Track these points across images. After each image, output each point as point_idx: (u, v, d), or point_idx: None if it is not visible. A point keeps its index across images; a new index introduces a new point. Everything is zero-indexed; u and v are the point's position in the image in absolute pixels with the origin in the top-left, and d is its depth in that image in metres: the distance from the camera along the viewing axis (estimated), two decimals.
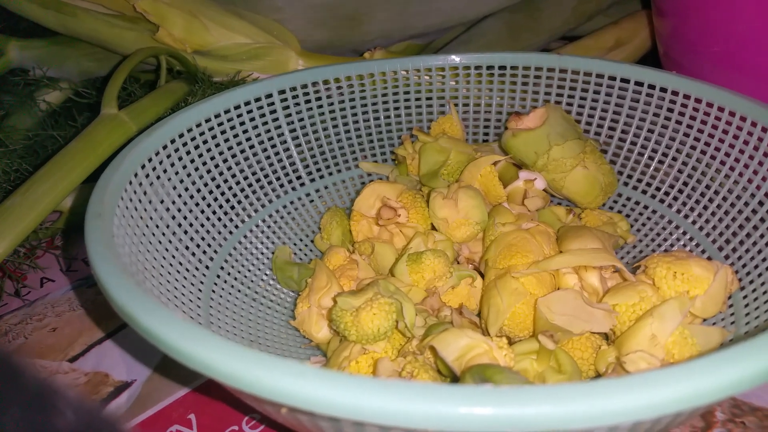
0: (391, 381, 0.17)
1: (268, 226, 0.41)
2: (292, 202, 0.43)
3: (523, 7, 0.59)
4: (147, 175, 0.33)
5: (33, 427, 0.14)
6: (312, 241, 0.42)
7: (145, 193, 0.32)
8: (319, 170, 0.44)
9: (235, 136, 0.40)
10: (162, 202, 0.34)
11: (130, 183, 0.31)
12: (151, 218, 0.32)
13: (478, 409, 0.16)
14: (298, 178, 0.43)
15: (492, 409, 0.16)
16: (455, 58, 0.44)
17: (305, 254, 0.42)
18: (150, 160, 0.33)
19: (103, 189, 0.29)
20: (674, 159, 0.40)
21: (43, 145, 0.52)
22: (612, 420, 0.17)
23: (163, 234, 0.33)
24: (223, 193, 0.39)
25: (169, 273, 0.31)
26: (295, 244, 0.42)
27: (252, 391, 0.18)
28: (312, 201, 0.44)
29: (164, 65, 0.48)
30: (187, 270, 0.33)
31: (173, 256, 0.33)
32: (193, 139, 0.37)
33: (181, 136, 0.36)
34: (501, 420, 0.16)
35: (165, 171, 0.34)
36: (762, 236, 0.33)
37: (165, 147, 0.34)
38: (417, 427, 0.17)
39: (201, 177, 0.37)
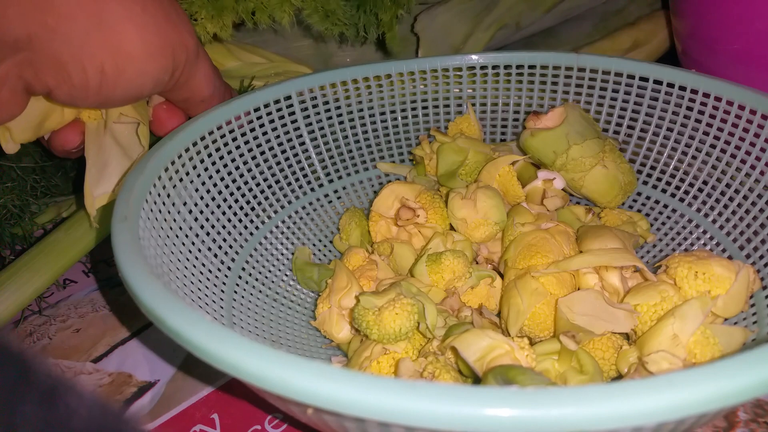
0: (418, 382, 0.18)
1: (288, 227, 0.41)
2: (310, 203, 0.43)
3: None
4: (170, 178, 0.33)
5: (46, 425, 0.14)
6: (331, 242, 0.43)
7: (168, 196, 0.33)
8: (337, 171, 0.45)
9: (255, 138, 0.40)
10: (185, 204, 0.34)
11: (154, 186, 0.31)
12: (174, 220, 0.33)
13: (505, 410, 0.17)
14: (317, 179, 0.44)
15: (519, 410, 0.16)
16: (473, 58, 0.44)
17: (324, 255, 0.42)
18: (173, 163, 0.34)
19: (129, 192, 0.29)
20: (694, 157, 0.40)
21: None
22: (638, 421, 0.17)
23: (186, 236, 0.33)
24: (243, 195, 0.39)
25: (193, 275, 0.32)
26: (314, 245, 0.42)
27: (279, 392, 0.18)
28: (330, 202, 0.44)
29: None
30: (210, 271, 0.34)
31: (196, 258, 0.33)
32: (214, 141, 0.37)
33: (202, 139, 0.36)
34: (528, 421, 0.16)
35: (187, 173, 0.35)
36: None
37: (187, 150, 0.35)
38: (443, 429, 0.17)
39: (222, 179, 0.38)
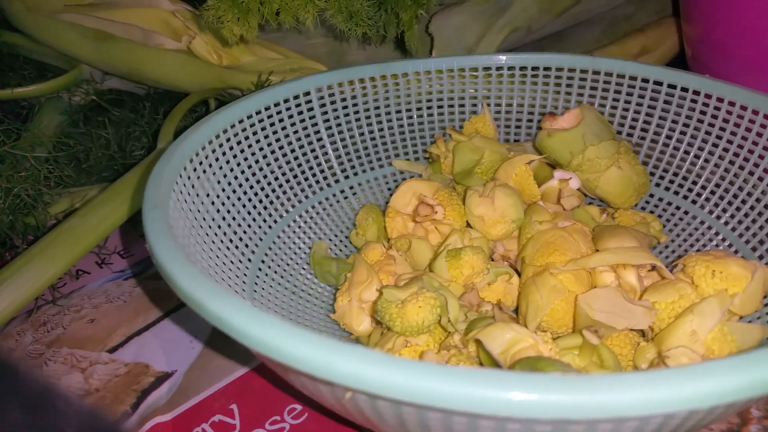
0: (462, 367, 0.18)
1: (305, 222, 0.42)
2: (327, 199, 0.43)
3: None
4: (194, 169, 0.33)
5: (34, 430, 0.14)
6: (347, 237, 0.43)
7: (193, 187, 0.33)
8: (353, 167, 0.45)
9: (274, 132, 0.41)
10: (208, 195, 0.34)
11: (180, 176, 0.32)
12: (198, 211, 0.33)
13: (549, 395, 0.17)
14: (333, 174, 0.44)
15: (568, 395, 0.17)
16: (489, 59, 0.45)
17: (340, 250, 0.42)
18: (197, 154, 0.34)
19: (158, 181, 0.29)
20: (706, 161, 0.41)
21: (72, 143, 0.53)
22: (669, 408, 0.17)
23: (210, 227, 0.34)
24: (262, 188, 0.40)
25: (216, 265, 0.32)
26: (330, 240, 0.42)
27: (324, 376, 0.19)
28: (346, 198, 0.44)
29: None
30: (232, 262, 0.34)
31: (219, 249, 0.34)
32: (235, 134, 0.38)
33: (224, 131, 0.37)
34: (574, 406, 0.17)
35: (210, 165, 0.35)
36: None
37: (210, 142, 0.35)
38: (487, 413, 0.17)
39: (242, 172, 0.38)
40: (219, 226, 0.35)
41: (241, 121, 0.38)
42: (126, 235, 0.50)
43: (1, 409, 0.14)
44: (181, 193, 0.31)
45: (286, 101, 0.41)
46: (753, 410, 0.32)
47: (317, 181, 0.43)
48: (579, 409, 0.17)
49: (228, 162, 0.37)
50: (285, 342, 0.19)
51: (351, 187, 0.45)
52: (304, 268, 0.40)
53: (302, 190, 0.42)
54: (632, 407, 0.17)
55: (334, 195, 0.44)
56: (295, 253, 0.40)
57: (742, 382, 0.18)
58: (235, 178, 0.38)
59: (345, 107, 0.44)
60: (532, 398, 0.17)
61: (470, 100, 0.47)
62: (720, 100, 0.39)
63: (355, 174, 0.45)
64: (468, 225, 0.39)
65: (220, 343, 0.38)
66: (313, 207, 0.43)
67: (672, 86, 0.41)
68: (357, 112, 0.45)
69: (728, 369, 0.17)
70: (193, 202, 0.33)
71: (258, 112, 0.39)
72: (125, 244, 0.50)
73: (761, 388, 0.18)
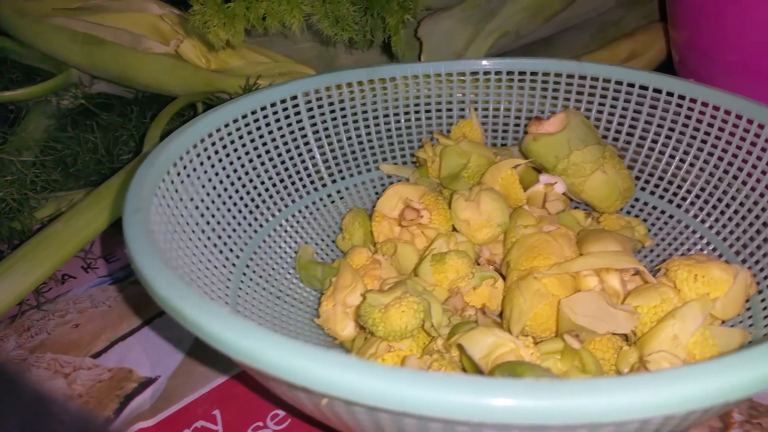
0: (434, 373, 0.18)
1: (291, 226, 0.42)
2: (314, 203, 0.43)
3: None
4: (178, 173, 0.33)
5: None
6: (333, 242, 0.43)
7: (176, 191, 0.33)
8: (340, 171, 0.45)
9: (261, 137, 0.40)
10: (192, 199, 0.34)
11: (163, 181, 0.32)
12: (182, 215, 0.33)
13: (523, 400, 0.17)
14: (321, 179, 0.44)
15: (539, 401, 0.17)
16: (477, 63, 0.45)
17: (326, 254, 0.42)
18: (181, 158, 0.34)
19: (140, 185, 0.29)
20: (691, 165, 0.41)
21: (60, 146, 0.53)
22: (648, 413, 0.17)
23: (193, 231, 0.33)
24: (248, 192, 0.40)
25: (199, 269, 0.32)
26: (317, 244, 0.42)
27: (298, 382, 0.19)
28: (333, 202, 0.44)
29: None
30: (215, 267, 0.34)
31: (202, 253, 0.33)
32: (221, 138, 0.37)
33: (210, 135, 0.36)
34: (546, 412, 0.17)
35: (195, 169, 0.35)
36: None
37: (195, 146, 0.35)
38: (463, 419, 0.17)
39: (228, 176, 0.38)
40: (203, 231, 0.34)
41: (226, 125, 0.38)
42: (111, 239, 0.50)
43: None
44: (164, 197, 0.31)
45: (272, 105, 0.41)
46: (735, 414, 0.32)
47: (304, 186, 0.43)
48: (551, 415, 0.17)
49: (213, 166, 0.37)
50: (258, 347, 0.19)
51: (338, 191, 0.45)
52: (289, 273, 0.39)
53: (289, 195, 0.42)
54: (605, 413, 0.17)
55: (321, 199, 0.44)
56: (281, 258, 0.40)
57: (715, 387, 0.18)
58: (221, 182, 0.37)
59: (333, 111, 0.44)
60: (504, 404, 0.17)
61: (458, 105, 0.47)
62: (705, 104, 0.39)
63: (343, 178, 0.45)
64: (454, 229, 0.39)
65: (203, 349, 0.38)
66: (299, 211, 0.42)
67: (657, 90, 0.41)
68: (345, 117, 0.45)
69: (701, 374, 0.18)
70: (177, 207, 0.32)
71: (244, 116, 0.39)
72: (111, 248, 0.50)
73: (734, 393, 0.18)
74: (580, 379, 0.18)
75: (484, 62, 0.45)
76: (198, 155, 0.35)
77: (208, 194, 0.36)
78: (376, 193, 0.46)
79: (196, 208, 0.35)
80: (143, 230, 0.26)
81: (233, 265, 0.36)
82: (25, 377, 0.37)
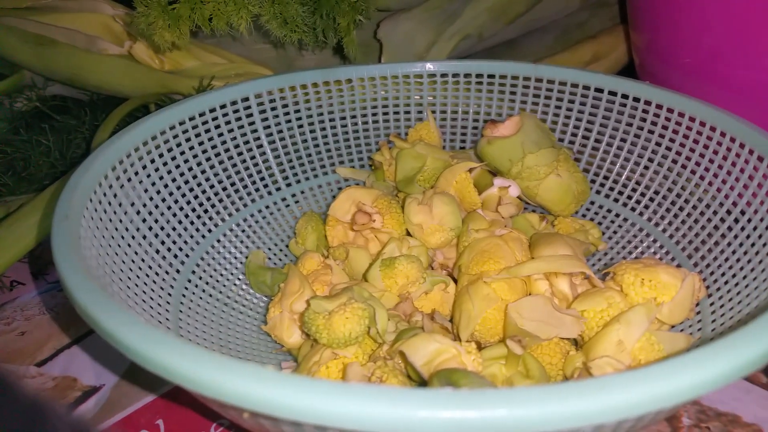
0: (349, 384, 0.17)
1: (242, 231, 0.41)
2: (267, 207, 0.43)
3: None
4: (117, 178, 0.32)
5: None
6: (287, 246, 0.42)
7: (115, 196, 0.32)
8: (295, 175, 0.44)
9: (210, 139, 0.40)
10: (132, 205, 0.33)
11: (100, 185, 0.31)
12: (120, 221, 0.32)
13: (438, 412, 0.16)
14: (275, 182, 0.43)
15: (450, 412, 0.16)
16: (433, 66, 0.45)
17: (280, 259, 0.42)
18: (121, 162, 0.33)
19: (72, 191, 0.28)
20: (646, 168, 0.41)
21: (10, 150, 0.51)
22: (570, 424, 0.17)
23: (133, 237, 0.32)
24: (196, 197, 0.39)
25: (138, 277, 0.31)
26: (269, 249, 0.41)
27: (212, 395, 0.18)
28: (288, 206, 0.44)
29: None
30: (157, 274, 0.33)
31: (143, 260, 0.32)
32: (166, 141, 0.37)
33: (153, 138, 0.36)
34: (455, 423, 0.16)
35: (136, 173, 0.34)
36: (729, 244, 0.34)
37: (137, 149, 0.34)
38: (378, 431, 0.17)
39: (174, 180, 0.37)
40: (144, 237, 0.34)
41: (172, 127, 0.37)
42: None
43: None
44: (100, 202, 0.30)
45: (222, 107, 0.40)
46: (684, 419, 0.32)
47: (257, 189, 0.42)
48: (475, 426, 0.16)
49: (158, 170, 0.36)
50: (170, 359, 0.19)
51: (293, 195, 0.44)
52: (239, 279, 0.39)
53: (240, 198, 0.41)
54: (532, 423, 0.16)
55: (275, 203, 0.43)
56: (230, 263, 0.39)
57: (645, 395, 0.17)
58: (166, 186, 0.37)
59: (287, 114, 0.43)
60: (408, 414, 0.16)
61: (416, 107, 0.46)
62: (659, 107, 0.39)
63: (298, 182, 0.44)
64: (408, 233, 0.39)
65: None
66: (252, 216, 0.42)
67: (613, 93, 0.41)
68: (300, 119, 0.44)
69: (633, 381, 0.17)
70: (114, 212, 0.31)
71: (192, 118, 0.38)
72: None
73: (664, 400, 0.18)
74: (502, 389, 0.17)
75: (441, 65, 0.45)
76: (140, 158, 0.35)
77: (151, 198, 0.35)
78: (333, 197, 0.45)
79: (138, 213, 0.34)
80: (70, 237, 0.25)
81: (177, 271, 0.35)
82: None
